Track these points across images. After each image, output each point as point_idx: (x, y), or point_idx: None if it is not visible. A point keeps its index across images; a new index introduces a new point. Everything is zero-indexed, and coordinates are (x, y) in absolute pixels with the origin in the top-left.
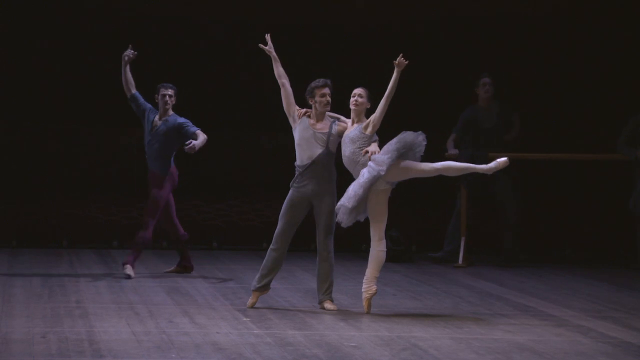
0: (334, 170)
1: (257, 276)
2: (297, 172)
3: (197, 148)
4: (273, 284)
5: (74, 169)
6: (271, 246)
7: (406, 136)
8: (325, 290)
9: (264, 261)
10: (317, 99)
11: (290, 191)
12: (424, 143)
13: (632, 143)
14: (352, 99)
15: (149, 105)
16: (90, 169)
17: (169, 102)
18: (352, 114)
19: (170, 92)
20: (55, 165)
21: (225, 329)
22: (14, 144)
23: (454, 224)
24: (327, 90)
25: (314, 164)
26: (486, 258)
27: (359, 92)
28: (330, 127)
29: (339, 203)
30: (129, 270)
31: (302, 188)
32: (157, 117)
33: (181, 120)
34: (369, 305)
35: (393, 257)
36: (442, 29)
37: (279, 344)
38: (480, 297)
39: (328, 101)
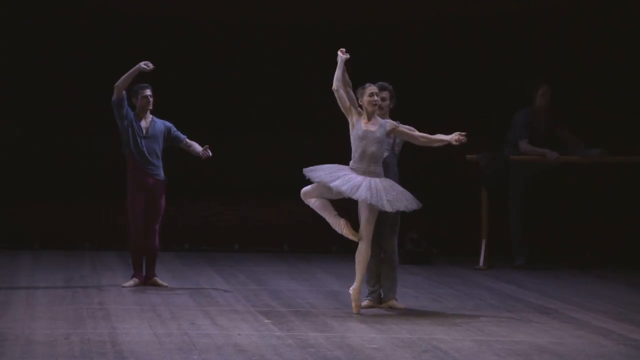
0: (397, 169)
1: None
2: None
3: (205, 151)
4: (294, 285)
5: (97, 170)
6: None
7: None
8: (391, 289)
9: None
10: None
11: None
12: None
13: None
14: (374, 98)
15: (131, 111)
16: (112, 171)
17: (150, 102)
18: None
19: (150, 92)
20: (78, 167)
21: (247, 330)
22: (37, 145)
23: (515, 228)
24: (375, 90)
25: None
26: (507, 260)
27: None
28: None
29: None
30: (161, 281)
31: None
32: (138, 119)
33: (169, 124)
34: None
35: (413, 259)
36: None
37: (300, 346)
38: (501, 300)
39: (376, 101)
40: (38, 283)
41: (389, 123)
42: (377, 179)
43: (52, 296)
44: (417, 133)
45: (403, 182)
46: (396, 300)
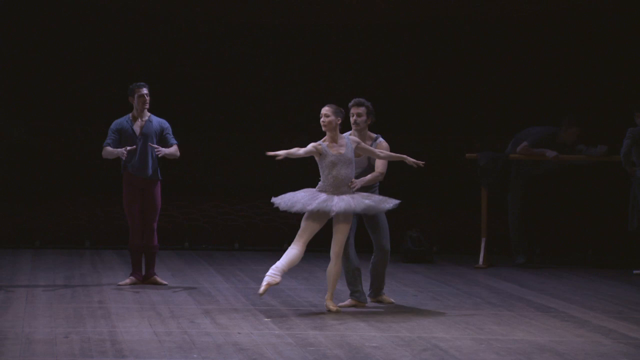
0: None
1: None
2: None
3: (163, 153)
4: (294, 284)
5: (97, 170)
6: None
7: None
8: (380, 286)
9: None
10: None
11: None
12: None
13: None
14: (322, 119)
15: (115, 124)
16: (112, 170)
17: (147, 101)
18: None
19: (145, 90)
20: (78, 167)
21: (247, 329)
22: (36, 146)
23: (514, 226)
24: (353, 110)
25: (360, 176)
26: (507, 259)
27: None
28: (372, 147)
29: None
30: (160, 279)
31: None
32: (132, 122)
33: (167, 124)
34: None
35: (414, 258)
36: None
37: (300, 345)
38: (501, 298)
39: (354, 120)
40: (38, 281)
41: (353, 140)
42: (348, 195)
43: (52, 295)
44: (377, 150)
45: (402, 183)
46: (384, 294)
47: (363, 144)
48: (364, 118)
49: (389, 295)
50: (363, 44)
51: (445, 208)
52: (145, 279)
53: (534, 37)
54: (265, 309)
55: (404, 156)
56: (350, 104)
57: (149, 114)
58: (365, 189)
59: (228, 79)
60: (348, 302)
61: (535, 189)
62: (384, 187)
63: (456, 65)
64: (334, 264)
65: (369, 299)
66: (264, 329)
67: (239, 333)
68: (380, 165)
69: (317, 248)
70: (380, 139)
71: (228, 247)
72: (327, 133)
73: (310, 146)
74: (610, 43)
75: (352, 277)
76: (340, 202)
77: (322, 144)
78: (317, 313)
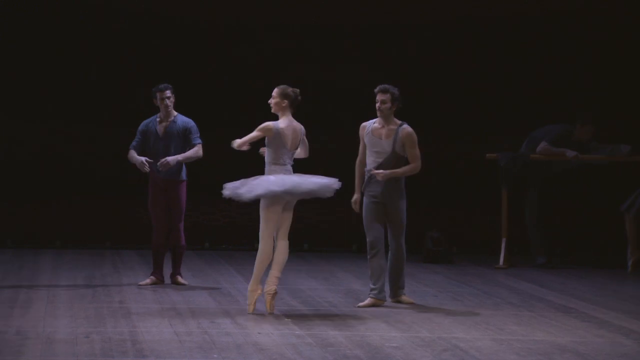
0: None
1: (373, 286)
2: (366, 176)
3: (166, 167)
4: (314, 284)
5: (117, 169)
6: (368, 255)
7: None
8: (400, 285)
9: (370, 271)
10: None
11: (364, 197)
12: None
13: None
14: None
15: (142, 125)
16: (133, 170)
17: (169, 103)
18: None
19: (168, 93)
20: (99, 166)
21: (267, 329)
22: (56, 146)
23: (533, 227)
24: (379, 97)
25: (381, 167)
26: (527, 259)
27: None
28: (396, 131)
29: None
30: (182, 280)
31: (371, 192)
32: (159, 123)
33: (191, 124)
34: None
35: (434, 258)
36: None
37: (320, 345)
38: (521, 298)
39: (378, 107)
40: (59, 282)
41: (302, 130)
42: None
43: (73, 295)
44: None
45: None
46: (405, 295)
47: (305, 138)
48: (388, 105)
49: (409, 296)
50: (384, 43)
51: (466, 208)
52: (171, 277)
53: (554, 37)
54: (285, 309)
55: (306, 155)
56: (376, 89)
57: (175, 113)
58: (394, 179)
59: (258, 79)
60: (367, 301)
61: (554, 188)
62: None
63: (484, 64)
64: (261, 248)
65: (389, 299)
66: (284, 329)
67: (259, 333)
68: (416, 158)
69: (337, 248)
70: (405, 125)
71: (248, 247)
72: (279, 115)
73: (262, 125)
74: (631, 40)
75: (374, 271)
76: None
77: (275, 122)
78: (337, 313)
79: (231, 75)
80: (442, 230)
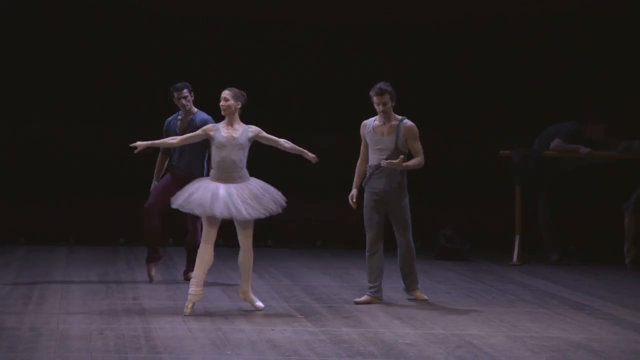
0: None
1: (372, 285)
2: (367, 173)
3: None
4: (327, 281)
5: (132, 166)
6: (367, 253)
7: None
8: (413, 280)
9: (368, 270)
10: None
11: (364, 194)
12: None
13: None
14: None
15: (165, 124)
16: (147, 166)
17: (185, 103)
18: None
19: (184, 92)
20: (113, 163)
21: (280, 326)
22: (69, 142)
23: (545, 224)
24: (377, 100)
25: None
26: (541, 256)
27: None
28: (398, 127)
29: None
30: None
31: (373, 189)
32: (179, 121)
33: (209, 121)
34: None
35: (447, 255)
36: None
37: (333, 342)
38: (535, 295)
39: (381, 109)
40: (73, 278)
41: (252, 130)
42: (234, 185)
43: (86, 291)
44: (281, 140)
45: (434, 179)
46: (419, 290)
47: (264, 133)
48: (389, 105)
49: (422, 292)
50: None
51: (479, 205)
52: (183, 275)
53: (568, 35)
54: (298, 305)
55: (304, 151)
56: (372, 93)
57: (195, 110)
58: (394, 173)
59: (258, 78)
60: (364, 297)
61: (567, 185)
62: (413, 182)
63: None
64: (242, 254)
65: (405, 293)
66: (297, 326)
67: (272, 330)
68: (420, 151)
69: (351, 245)
70: (406, 119)
71: (261, 243)
72: (226, 117)
73: (200, 130)
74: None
75: (372, 269)
76: (223, 207)
77: (217, 125)
78: (350, 310)
79: (231, 75)
80: (456, 227)
